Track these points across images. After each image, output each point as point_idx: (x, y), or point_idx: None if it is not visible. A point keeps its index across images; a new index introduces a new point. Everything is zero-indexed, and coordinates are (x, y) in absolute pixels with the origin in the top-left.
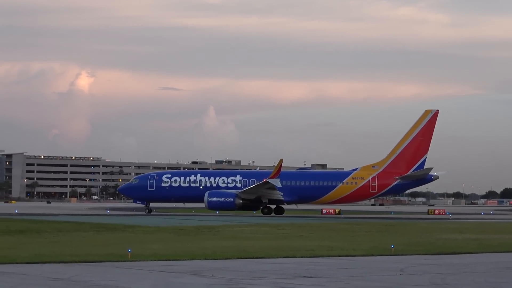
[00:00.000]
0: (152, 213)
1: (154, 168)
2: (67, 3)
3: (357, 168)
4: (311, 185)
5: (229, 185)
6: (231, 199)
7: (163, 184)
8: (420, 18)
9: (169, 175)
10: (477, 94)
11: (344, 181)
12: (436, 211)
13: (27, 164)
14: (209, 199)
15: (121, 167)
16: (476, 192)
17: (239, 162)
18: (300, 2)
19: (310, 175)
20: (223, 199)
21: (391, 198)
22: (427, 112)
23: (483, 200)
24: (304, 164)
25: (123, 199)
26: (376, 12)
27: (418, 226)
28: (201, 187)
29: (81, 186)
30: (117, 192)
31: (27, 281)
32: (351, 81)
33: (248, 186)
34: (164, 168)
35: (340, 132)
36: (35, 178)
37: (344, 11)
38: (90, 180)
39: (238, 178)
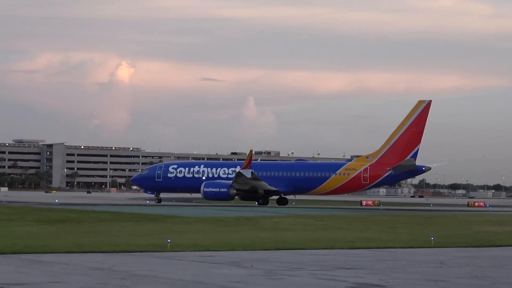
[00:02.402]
0: (162, 203)
1: (194, 159)
2: None
3: (352, 159)
4: (306, 176)
5: (229, 175)
6: (225, 190)
7: (169, 175)
8: (461, 9)
9: (175, 166)
10: None
11: (337, 172)
12: (476, 204)
13: (68, 154)
14: (205, 189)
15: (160, 157)
16: None
17: (278, 153)
18: None
19: (305, 166)
20: (217, 190)
21: (431, 190)
22: (420, 102)
23: None
24: (344, 156)
25: None
26: (417, 3)
27: (458, 219)
28: (203, 178)
29: (121, 177)
30: None
31: (68, 270)
32: (391, 72)
33: None
34: (203, 159)
35: (379, 124)
36: (75, 168)
37: (384, 2)
38: (130, 170)
39: (238, 169)
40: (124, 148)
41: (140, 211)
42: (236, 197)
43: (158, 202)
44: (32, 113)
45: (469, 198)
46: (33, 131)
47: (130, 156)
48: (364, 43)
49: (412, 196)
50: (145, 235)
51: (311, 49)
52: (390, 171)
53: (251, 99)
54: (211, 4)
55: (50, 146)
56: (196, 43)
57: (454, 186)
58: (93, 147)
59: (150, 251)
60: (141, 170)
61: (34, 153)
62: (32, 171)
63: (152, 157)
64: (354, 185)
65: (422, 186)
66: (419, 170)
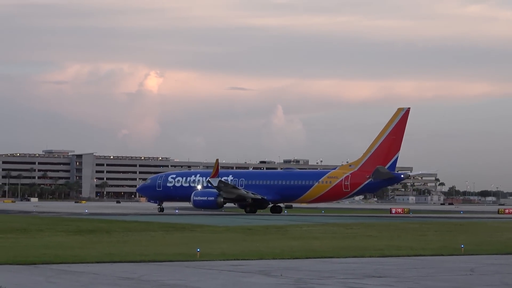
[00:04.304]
0: (164, 212)
1: (222, 167)
2: (136, 4)
3: (336, 167)
4: (291, 184)
5: None
6: (213, 198)
7: (168, 184)
8: (490, 15)
9: (174, 176)
10: None
11: (320, 180)
12: (507, 210)
13: (97, 164)
14: (194, 198)
15: (189, 167)
16: None
17: (307, 161)
18: (368, 0)
19: (290, 174)
20: (205, 198)
21: (461, 197)
22: (399, 110)
23: None
24: None
25: None
26: (445, 9)
27: (489, 226)
28: (198, 187)
29: None
30: None
31: (98, 280)
32: (420, 79)
33: (238, 185)
34: (232, 168)
35: (408, 131)
36: (105, 178)
37: (413, 9)
38: None
39: (230, 178)
40: (153, 157)
41: (169, 221)
42: (235, 205)
43: (160, 211)
44: (62, 123)
45: (499, 205)
46: (62, 142)
47: (159, 166)
48: (392, 51)
49: (441, 204)
50: (174, 244)
51: (339, 57)
52: (370, 179)
53: (279, 108)
54: (238, 13)
55: (79, 156)
56: (224, 52)
57: (484, 193)
58: (122, 157)
59: (180, 261)
60: (145, 179)
61: (63, 164)
62: (62, 181)
63: (181, 166)
64: (336, 193)
65: (452, 193)
66: (398, 178)
